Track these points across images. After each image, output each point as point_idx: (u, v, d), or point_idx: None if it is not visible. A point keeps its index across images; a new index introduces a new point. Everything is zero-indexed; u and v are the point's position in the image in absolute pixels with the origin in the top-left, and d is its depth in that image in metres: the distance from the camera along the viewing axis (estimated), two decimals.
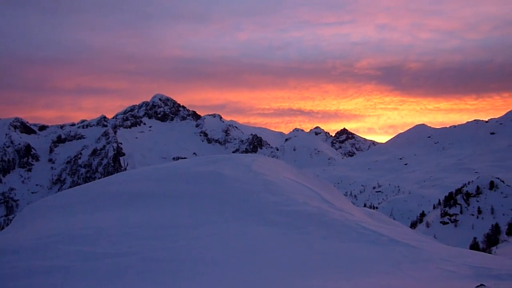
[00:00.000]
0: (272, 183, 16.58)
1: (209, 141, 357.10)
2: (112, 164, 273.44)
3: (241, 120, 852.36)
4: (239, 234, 11.74)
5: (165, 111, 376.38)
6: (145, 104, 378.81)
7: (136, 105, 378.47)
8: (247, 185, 16.28)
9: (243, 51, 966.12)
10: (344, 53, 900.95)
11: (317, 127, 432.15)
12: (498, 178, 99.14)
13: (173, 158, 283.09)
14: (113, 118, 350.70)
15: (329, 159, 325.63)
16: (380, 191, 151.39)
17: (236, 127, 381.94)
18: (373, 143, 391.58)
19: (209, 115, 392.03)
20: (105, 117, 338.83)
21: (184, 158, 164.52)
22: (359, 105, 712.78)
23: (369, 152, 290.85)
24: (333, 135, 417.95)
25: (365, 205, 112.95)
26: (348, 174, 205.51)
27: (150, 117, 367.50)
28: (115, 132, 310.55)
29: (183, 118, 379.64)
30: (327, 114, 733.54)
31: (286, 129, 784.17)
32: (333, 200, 16.92)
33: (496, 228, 69.76)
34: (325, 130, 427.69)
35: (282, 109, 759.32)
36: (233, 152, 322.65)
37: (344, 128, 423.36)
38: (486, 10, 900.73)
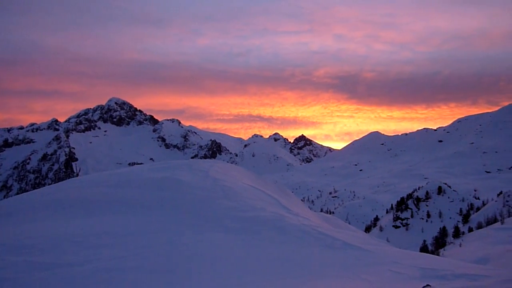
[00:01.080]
0: (230, 189, 16.53)
1: (167, 146, 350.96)
2: (64, 169, 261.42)
3: (200, 125, 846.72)
4: (195, 241, 11.58)
5: (121, 115, 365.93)
6: (100, 107, 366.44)
7: (90, 108, 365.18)
8: (204, 191, 16.12)
9: (203, 56, 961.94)
10: (303, 62, 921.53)
11: (276, 134, 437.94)
12: (445, 184, 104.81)
13: (129, 164, 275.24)
14: (65, 121, 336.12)
15: (287, 165, 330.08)
16: (336, 196, 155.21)
17: (195, 133, 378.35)
18: (330, 149, 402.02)
19: (167, 120, 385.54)
20: (56, 121, 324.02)
21: (141, 163, 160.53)
22: (317, 113, 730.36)
23: (326, 158, 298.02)
24: (291, 142, 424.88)
25: (321, 210, 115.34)
26: (305, 180, 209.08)
27: (105, 121, 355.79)
28: (67, 137, 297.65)
29: (140, 123, 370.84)
30: (286, 120, 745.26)
31: (245, 135, 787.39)
32: (290, 206, 17.12)
33: (443, 231, 73.48)
34: (284, 137, 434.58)
35: (242, 115, 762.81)
36: (192, 157, 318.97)
37: (302, 134, 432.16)
38: (435, 25, 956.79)
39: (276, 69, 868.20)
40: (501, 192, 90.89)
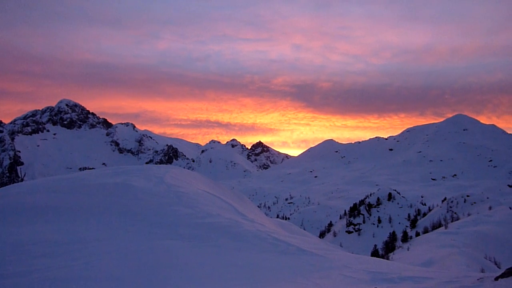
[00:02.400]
0: (185, 195, 16.30)
1: (121, 151, 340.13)
2: (8, 174, 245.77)
3: (156, 130, 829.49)
4: (148, 249, 11.30)
5: (72, 117, 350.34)
6: (50, 109, 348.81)
7: (38, 110, 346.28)
8: (158, 197, 15.79)
9: (161, 60, 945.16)
10: (261, 69, 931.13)
11: (233, 140, 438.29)
12: (395, 190, 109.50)
13: (80, 169, 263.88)
14: (10, 123, 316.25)
15: (244, 171, 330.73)
16: (292, 203, 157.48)
17: (151, 137, 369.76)
18: (287, 156, 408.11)
19: (122, 123, 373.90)
20: (0, 122, 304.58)
21: (92, 168, 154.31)
22: (275, 120, 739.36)
23: (283, 165, 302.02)
24: (249, 148, 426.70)
25: (278, 216, 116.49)
26: (262, 186, 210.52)
27: (54, 124, 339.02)
28: (12, 139, 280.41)
29: (92, 126, 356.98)
30: (244, 127, 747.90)
31: (203, 140, 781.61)
32: (246, 212, 17.17)
33: (393, 236, 76.59)
34: (242, 143, 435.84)
35: (200, 120, 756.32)
36: (147, 163, 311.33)
37: (260, 141, 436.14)
38: (387, 39, 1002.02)
39: (235, 76, 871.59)
40: (445, 199, 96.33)
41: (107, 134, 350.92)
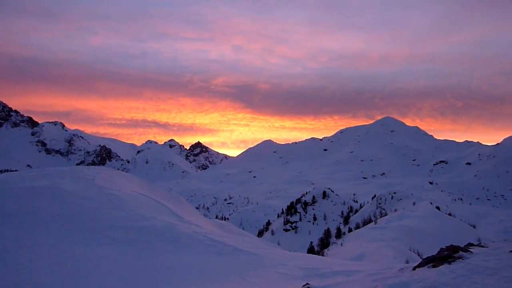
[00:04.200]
0: (118, 198, 15.68)
1: (48, 151, 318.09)
2: None
3: (88, 129, 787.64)
4: (79, 255, 10.71)
5: None
6: None
7: None
8: (89, 200, 15.02)
9: (96, 56, 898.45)
10: (201, 69, 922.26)
11: (171, 140, 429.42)
12: (329, 189, 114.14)
13: (0, 171, 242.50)
14: None
15: (183, 172, 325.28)
16: (231, 203, 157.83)
17: (82, 137, 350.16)
18: (226, 157, 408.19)
19: (49, 122, 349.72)
20: None
21: (15, 171, 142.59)
22: (214, 120, 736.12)
23: (222, 165, 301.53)
24: (187, 148, 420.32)
25: (217, 217, 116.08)
26: (201, 187, 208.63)
27: None
28: None
29: (16, 125, 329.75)
30: (182, 127, 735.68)
31: (139, 141, 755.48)
32: (182, 214, 16.92)
33: (327, 233, 79.77)
34: (180, 143, 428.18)
35: (136, 120, 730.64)
36: (77, 164, 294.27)
37: (199, 141, 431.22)
38: (323, 44, 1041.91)
39: (174, 74, 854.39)
40: (374, 196, 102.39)
41: (33, 134, 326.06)
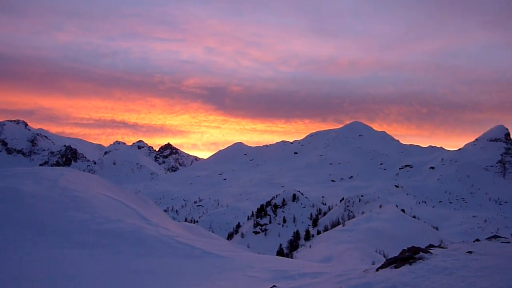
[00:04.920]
0: (82, 200, 15.24)
1: (9, 151, 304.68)
2: None
3: (53, 129, 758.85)
4: (41, 259, 10.32)
5: None
6: None
7: None
8: (52, 202, 14.52)
9: (63, 53, 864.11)
10: (172, 70, 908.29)
11: (140, 141, 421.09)
12: (299, 191, 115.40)
13: None
14: None
15: (151, 174, 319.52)
16: (201, 205, 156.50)
17: (46, 137, 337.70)
18: (196, 158, 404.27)
19: (11, 121, 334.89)
20: None
21: None
22: (185, 122, 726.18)
23: (192, 167, 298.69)
24: (157, 150, 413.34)
25: (186, 220, 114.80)
26: (170, 189, 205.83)
27: None
28: None
29: None
30: (152, 128, 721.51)
31: (106, 141, 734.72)
32: (150, 216, 16.64)
33: (296, 235, 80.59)
34: (149, 145, 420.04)
35: (104, 120, 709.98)
36: (41, 165, 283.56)
37: (169, 143, 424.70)
38: (295, 48, 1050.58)
39: (144, 74, 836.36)
40: (343, 198, 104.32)
41: None
